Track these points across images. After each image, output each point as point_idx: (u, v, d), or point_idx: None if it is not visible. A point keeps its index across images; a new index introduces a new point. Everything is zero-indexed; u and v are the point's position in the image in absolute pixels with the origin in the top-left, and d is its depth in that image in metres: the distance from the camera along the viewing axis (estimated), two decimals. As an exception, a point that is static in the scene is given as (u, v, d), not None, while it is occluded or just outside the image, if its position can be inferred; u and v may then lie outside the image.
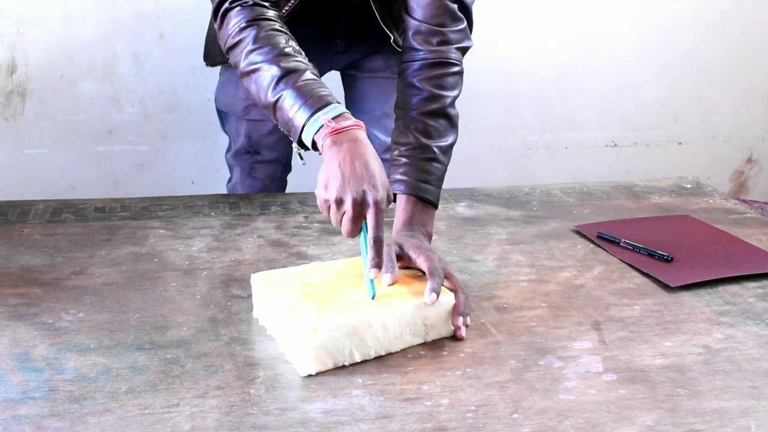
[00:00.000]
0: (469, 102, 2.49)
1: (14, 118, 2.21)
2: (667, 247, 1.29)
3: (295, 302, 0.98)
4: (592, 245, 1.34)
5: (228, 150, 1.67)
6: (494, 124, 2.55)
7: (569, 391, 0.92)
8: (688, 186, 1.66)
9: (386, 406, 0.88)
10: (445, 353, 1.00)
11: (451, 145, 1.24)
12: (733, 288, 1.20)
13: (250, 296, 1.11)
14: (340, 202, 1.02)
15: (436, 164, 1.20)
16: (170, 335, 1.01)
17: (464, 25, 1.26)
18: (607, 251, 1.31)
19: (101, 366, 0.94)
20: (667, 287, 1.19)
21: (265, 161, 1.63)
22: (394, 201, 1.18)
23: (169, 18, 2.11)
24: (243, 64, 1.17)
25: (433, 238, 1.33)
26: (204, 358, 0.96)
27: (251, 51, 1.16)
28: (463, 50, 1.27)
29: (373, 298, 0.99)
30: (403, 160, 1.20)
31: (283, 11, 1.40)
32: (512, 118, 2.58)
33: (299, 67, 1.13)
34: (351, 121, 1.08)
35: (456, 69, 1.25)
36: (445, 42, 1.24)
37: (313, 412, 0.87)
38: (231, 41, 1.19)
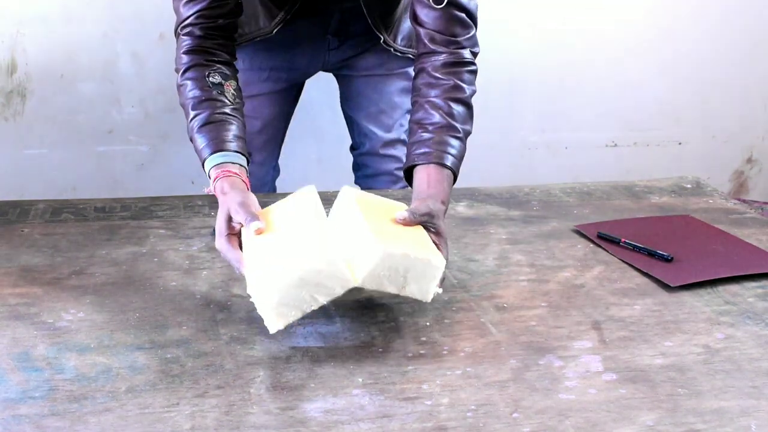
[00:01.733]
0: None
1: (14, 118, 2.21)
2: (667, 247, 1.29)
3: (250, 258, 1.01)
4: (592, 245, 1.34)
5: None
6: (494, 124, 2.55)
7: (569, 390, 0.92)
8: (688, 186, 1.66)
9: (386, 405, 0.88)
10: (445, 353, 1.00)
11: (469, 133, 1.27)
12: (733, 288, 1.20)
13: (250, 296, 1.11)
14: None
15: (459, 143, 1.23)
16: (170, 335, 1.01)
17: (473, 32, 1.30)
18: (607, 251, 1.31)
19: (101, 365, 0.94)
20: (667, 287, 1.19)
21: (255, 164, 1.63)
22: (407, 178, 1.23)
23: (169, 18, 2.10)
24: (178, 95, 1.31)
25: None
26: (204, 358, 0.96)
27: (179, 86, 1.30)
28: (475, 54, 1.31)
29: None
30: (427, 135, 1.22)
31: (282, 12, 1.41)
32: (512, 118, 2.58)
33: (207, 108, 1.24)
34: (216, 172, 1.17)
35: (473, 68, 1.30)
36: (460, 47, 1.28)
37: (313, 412, 0.87)
38: (175, 65, 1.32)
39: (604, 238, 1.34)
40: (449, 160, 1.20)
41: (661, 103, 2.68)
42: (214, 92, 1.26)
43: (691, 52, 2.64)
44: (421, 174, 1.20)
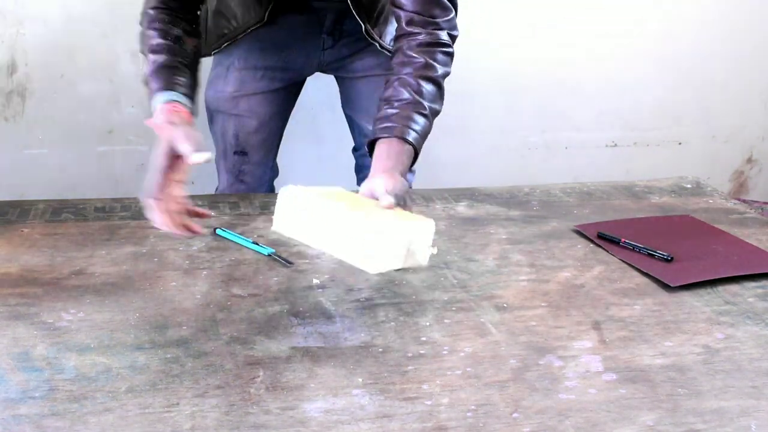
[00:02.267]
0: (470, 102, 2.50)
1: (14, 118, 2.21)
2: (667, 247, 1.29)
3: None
4: (592, 245, 1.34)
5: (215, 154, 1.68)
6: (494, 125, 2.55)
7: (569, 390, 0.92)
8: (688, 186, 1.66)
9: (386, 405, 0.88)
10: (445, 353, 1.00)
11: (437, 112, 1.28)
12: (733, 288, 1.20)
13: (249, 296, 1.11)
14: None
15: (424, 120, 1.24)
16: (170, 335, 1.01)
17: (453, 14, 1.32)
18: (607, 251, 1.31)
19: (101, 365, 0.94)
20: (667, 287, 1.19)
21: (252, 163, 1.64)
22: (370, 153, 1.24)
23: None
24: (139, 44, 1.33)
25: (433, 238, 1.33)
26: (204, 358, 0.96)
27: (141, 34, 1.32)
28: (453, 38, 1.32)
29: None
30: (392, 111, 1.24)
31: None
32: (512, 118, 2.58)
33: (164, 54, 1.27)
34: (167, 107, 1.19)
35: (448, 49, 1.31)
36: (438, 28, 1.30)
37: (313, 412, 0.87)
38: (140, 19, 1.35)
39: (604, 238, 1.34)
40: (411, 135, 1.22)
41: (661, 103, 2.68)
42: (176, 45, 1.29)
43: (691, 52, 2.65)
44: (381, 147, 1.22)
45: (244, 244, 1.27)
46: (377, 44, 1.55)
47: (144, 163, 2.30)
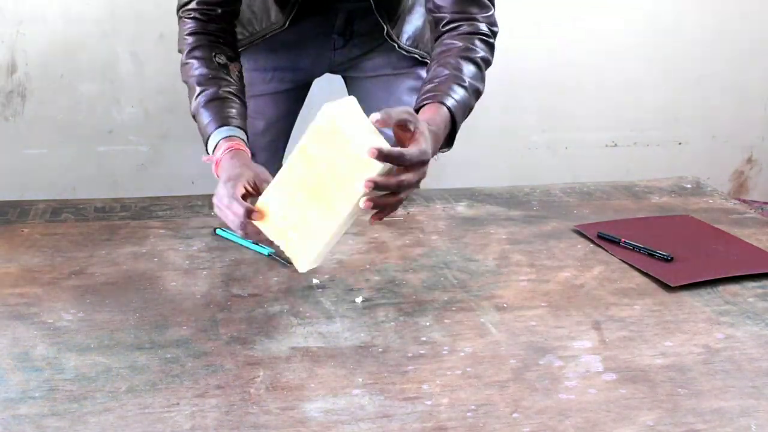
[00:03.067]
0: (469, 102, 2.49)
1: (14, 118, 2.21)
2: (667, 247, 1.29)
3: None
4: (592, 245, 1.34)
5: None
6: (494, 125, 2.55)
7: (569, 390, 0.92)
8: (688, 186, 1.66)
9: (386, 405, 0.88)
10: (445, 353, 1.00)
11: (478, 91, 1.26)
12: (733, 288, 1.20)
13: (249, 296, 1.11)
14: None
15: (464, 91, 1.21)
16: (170, 335, 1.01)
17: (492, 11, 1.31)
18: (607, 251, 1.31)
19: (101, 365, 0.94)
20: (667, 287, 1.19)
21: (259, 164, 1.63)
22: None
23: (169, 18, 2.10)
24: (181, 74, 1.33)
25: (434, 237, 1.34)
26: (204, 358, 0.96)
27: (184, 64, 1.32)
28: (494, 33, 1.31)
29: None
30: (432, 84, 1.21)
31: (290, 3, 1.43)
32: (512, 118, 2.58)
33: (213, 85, 1.27)
34: (227, 144, 1.20)
35: (489, 39, 1.29)
36: (477, 21, 1.29)
37: (313, 412, 0.87)
38: (178, 47, 1.35)
39: (604, 238, 1.34)
40: (449, 101, 1.18)
41: (661, 103, 2.68)
42: (221, 72, 1.29)
43: (691, 52, 2.64)
44: (422, 112, 1.17)
45: (244, 244, 1.27)
46: (396, 44, 1.54)
47: (144, 163, 2.32)
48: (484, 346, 1.02)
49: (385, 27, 1.49)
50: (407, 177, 1.00)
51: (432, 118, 1.14)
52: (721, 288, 1.20)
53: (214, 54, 1.30)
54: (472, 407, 0.89)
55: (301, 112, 1.72)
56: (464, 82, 1.22)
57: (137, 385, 0.90)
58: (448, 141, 1.19)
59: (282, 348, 0.99)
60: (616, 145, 2.70)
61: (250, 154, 1.21)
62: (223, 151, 1.20)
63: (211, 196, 1.53)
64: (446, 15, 1.29)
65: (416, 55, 1.57)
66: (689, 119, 2.72)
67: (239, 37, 1.51)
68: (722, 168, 2.83)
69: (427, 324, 1.07)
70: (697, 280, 1.20)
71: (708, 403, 0.91)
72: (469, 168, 2.47)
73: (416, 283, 1.18)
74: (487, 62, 1.29)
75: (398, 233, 1.36)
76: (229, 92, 1.28)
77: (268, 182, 1.08)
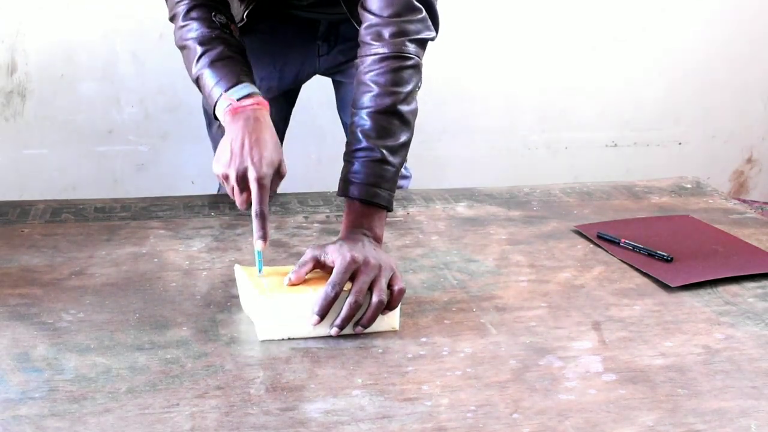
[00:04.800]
0: (470, 102, 2.50)
1: (14, 118, 2.21)
2: (667, 247, 1.29)
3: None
4: (592, 245, 1.34)
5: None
6: (494, 125, 2.55)
7: (569, 391, 0.92)
8: (688, 186, 1.66)
9: (386, 406, 0.88)
10: (445, 353, 1.00)
11: (402, 144, 1.17)
12: (733, 288, 1.20)
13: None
14: (226, 177, 1.10)
15: (385, 166, 1.14)
16: (170, 335, 1.01)
17: (423, 14, 1.19)
18: (607, 251, 1.31)
19: (101, 366, 0.94)
20: (667, 287, 1.19)
21: None
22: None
23: (169, 18, 2.11)
24: (176, 39, 1.26)
25: (433, 238, 1.34)
26: (204, 358, 0.96)
27: (181, 27, 1.24)
28: (422, 42, 1.20)
29: (260, 272, 1.06)
30: (353, 161, 1.15)
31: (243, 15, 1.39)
32: (512, 118, 2.58)
33: (218, 45, 1.20)
34: (252, 100, 1.14)
35: (411, 62, 1.17)
36: (401, 33, 1.17)
37: (313, 412, 0.87)
38: (169, 14, 1.28)
39: (604, 238, 1.34)
40: (379, 197, 1.13)
41: (661, 103, 2.68)
42: (223, 31, 1.22)
43: (691, 52, 2.65)
44: (350, 207, 1.14)
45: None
46: None
47: (144, 163, 2.32)
48: (484, 346, 1.02)
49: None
50: (355, 287, 1.01)
51: (354, 220, 1.12)
52: (721, 288, 1.20)
53: (213, 14, 1.23)
54: (472, 408, 0.89)
55: (293, 116, 1.71)
56: (386, 157, 1.13)
57: (137, 385, 0.90)
58: (391, 187, 1.15)
59: (282, 348, 0.99)
60: (616, 145, 2.71)
61: (267, 106, 1.17)
62: (251, 102, 1.14)
63: (211, 196, 1.53)
64: (370, 16, 1.18)
65: None
66: (689, 119, 2.73)
67: None
68: (722, 168, 2.83)
69: (427, 324, 1.07)
70: (697, 281, 1.20)
71: (708, 404, 0.91)
72: (469, 168, 2.47)
73: (416, 284, 1.18)
74: (412, 93, 1.18)
75: (398, 233, 1.36)
76: (237, 52, 1.21)
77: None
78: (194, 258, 1.24)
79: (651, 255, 1.28)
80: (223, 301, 1.11)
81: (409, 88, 1.18)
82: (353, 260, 1.01)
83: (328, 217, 1.42)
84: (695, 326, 1.08)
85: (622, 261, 1.28)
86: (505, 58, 2.48)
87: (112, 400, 0.87)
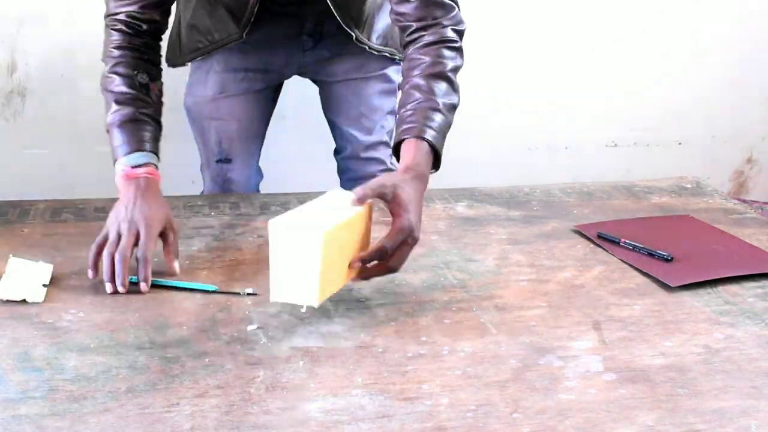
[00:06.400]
0: (470, 102, 2.49)
1: (14, 118, 2.21)
2: (667, 247, 1.29)
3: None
4: (592, 245, 1.34)
5: (201, 164, 1.69)
6: (494, 124, 2.55)
7: (569, 390, 0.92)
8: (688, 186, 1.66)
9: (386, 405, 0.88)
10: (445, 353, 1.00)
11: (453, 106, 1.27)
12: (733, 288, 1.20)
13: (249, 296, 1.11)
14: (116, 230, 1.17)
15: (439, 114, 1.22)
16: (170, 335, 1.01)
17: (455, 11, 1.30)
18: (607, 251, 1.31)
19: (101, 366, 0.94)
20: (667, 287, 1.19)
21: (235, 169, 1.63)
22: (396, 154, 1.23)
23: (169, 18, 2.11)
24: (100, 81, 1.36)
25: (434, 237, 1.34)
26: (204, 358, 0.96)
27: (106, 76, 1.35)
28: (460, 33, 1.31)
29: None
30: (408, 113, 1.23)
31: (246, 14, 1.44)
32: (512, 118, 2.58)
33: (131, 106, 1.31)
34: (145, 169, 1.25)
35: (455, 45, 1.29)
36: (442, 27, 1.29)
37: (313, 412, 0.87)
38: (102, 55, 1.39)
39: (604, 238, 1.34)
40: (428, 134, 1.20)
41: (661, 103, 2.68)
42: (141, 92, 1.31)
43: (691, 53, 2.64)
44: (405, 148, 1.21)
45: (184, 286, 1.15)
46: (366, 47, 1.54)
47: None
48: (484, 346, 1.02)
49: (353, 34, 1.49)
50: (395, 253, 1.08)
51: (413, 157, 1.18)
52: (721, 288, 1.20)
53: (136, 73, 1.32)
54: (472, 407, 0.89)
55: (274, 115, 1.71)
56: (438, 105, 1.23)
57: (137, 385, 0.90)
58: (435, 164, 1.22)
59: (282, 348, 0.99)
60: (616, 145, 2.70)
61: (159, 178, 1.27)
62: (134, 178, 1.24)
63: (210, 196, 1.53)
64: (411, 23, 1.29)
65: (386, 54, 1.57)
66: (689, 119, 2.72)
67: (198, 45, 1.52)
68: (722, 168, 2.83)
69: (427, 324, 1.07)
70: (697, 280, 1.20)
71: (708, 403, 0.91)
72: (469, 168, 2.47)
73: (416, 283, 1.18)
74: (457, 69, 1.29)
75: (398, 233, 1.36)
76: (146, 114, 1.30)
77: (174, 231, 1.20)
78: (194, 258, 1.24)
79: (651, 255, 1.28)
80: (223, 300, 1.11)
81: (456, 62, 1.28)
82: (412, 234, 1.09)
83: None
84: (695, 326, 1.08)
85: (622, 261, 1.28)
86: (505, 59, 2.47)
87: (112, 400, 0.87)
